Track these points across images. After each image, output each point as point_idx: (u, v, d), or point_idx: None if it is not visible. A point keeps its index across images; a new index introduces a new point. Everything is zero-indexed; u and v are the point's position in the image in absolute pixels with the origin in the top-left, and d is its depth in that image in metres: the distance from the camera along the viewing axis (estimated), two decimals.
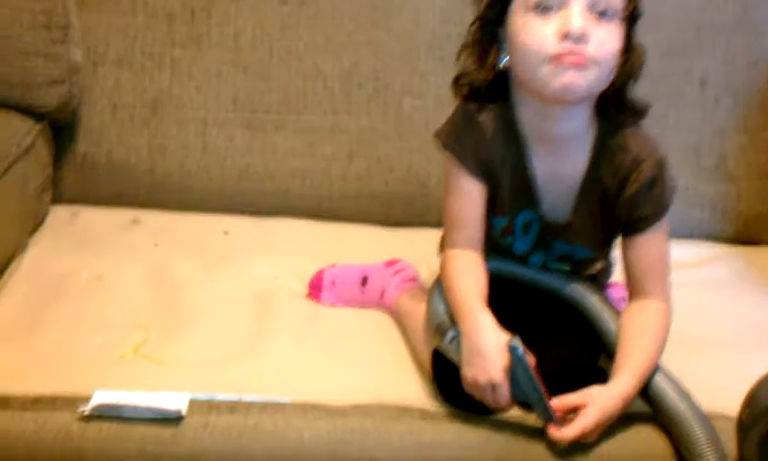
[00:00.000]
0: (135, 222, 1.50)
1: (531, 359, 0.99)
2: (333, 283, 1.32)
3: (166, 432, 1.00)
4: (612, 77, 1.03)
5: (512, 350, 0.98)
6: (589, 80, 1.00)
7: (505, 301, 1.09)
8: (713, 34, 1.64)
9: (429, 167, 1.54)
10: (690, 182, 1.65)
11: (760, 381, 0.88)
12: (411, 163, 1.57)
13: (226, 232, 1.50)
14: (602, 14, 0.99)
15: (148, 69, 1.55)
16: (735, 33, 1.65)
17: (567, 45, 0.98)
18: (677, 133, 1.66)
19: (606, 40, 1.00)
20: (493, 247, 1.15)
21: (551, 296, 1.16)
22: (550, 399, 0.99)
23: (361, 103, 1.57)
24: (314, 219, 1.55)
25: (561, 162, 1.09)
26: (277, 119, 1.57)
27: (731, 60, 1.66)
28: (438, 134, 1.12)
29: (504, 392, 0.99)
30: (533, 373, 0.98)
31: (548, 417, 0.99)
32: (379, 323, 1.27)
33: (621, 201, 1.08)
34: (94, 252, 1.39)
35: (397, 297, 1.27)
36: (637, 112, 1.09)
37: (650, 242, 1.09)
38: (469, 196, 1.10)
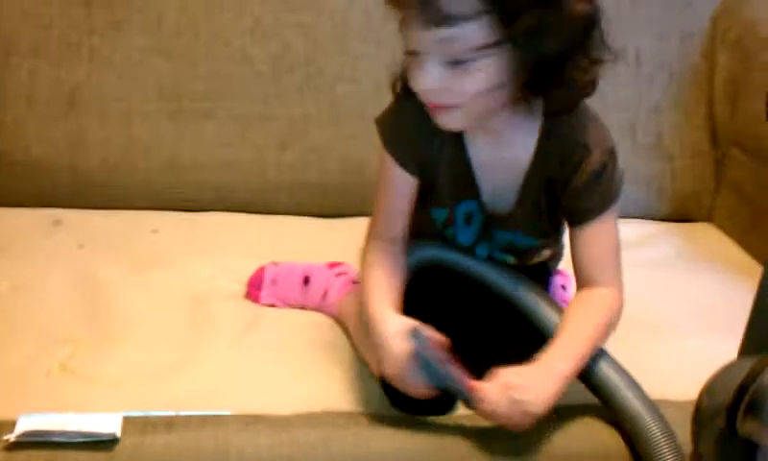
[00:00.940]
0: (57, 223, 1.44)
1: (441, 342, 0.98)
2: (274, 282, 1.29)
3: (100, 457, 0.94)
4: (500, 101, 0.98)
5: (413, 336, 0.97)
6: (462, 118, 0.99)
7: (450, 289, 1.07)
8: (647, 8, 1.64)
9: (365, 154, 1.51)
10: (626, 161, 1.61)
11: (715, 376, 0.87)
12: (346, 151, 1.54)
13: (154, 230, 1.45)
14: (456, 63, 0.93)
15: (65, 59, 1.49)
16: (669, 6, 1.65)
17: (427, 97, 0.98)
18: (613, 111, 1.63)
19: (465, 86, 0.94)
20: (441, 239, 1.13)
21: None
22: (468, 380, 0.96)
23: (292, 89, 1.53)
24: (247, 212, 1.51)
25: (502, 151, 1.06)
26: (205, 108, 1.52)
27: (665, 35, 1.66)
28: (376, 122, 1.09)
29: (413, 380, 0.97)
30: (440, 356, 0.97)
31: (465, 398, 0.97)
32: (322, 325, 1.24)
33: (568, 191, 1.05)
34: (12, 258, 1.32)
35: (341, 298, 1.23)
36: (573, 101, 1.02)
37: (599, 232, 1.06)
38: (398, 189, 1.09)
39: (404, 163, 1.07)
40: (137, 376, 1.09)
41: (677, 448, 0.95)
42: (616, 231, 1.08)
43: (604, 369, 1.02)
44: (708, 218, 1.69)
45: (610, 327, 1.05)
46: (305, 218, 1.52)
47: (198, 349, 1.15)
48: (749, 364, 0.83)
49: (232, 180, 1.53)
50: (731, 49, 1.66)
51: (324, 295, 1.26)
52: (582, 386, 1.04)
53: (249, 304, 1.27)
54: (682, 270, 1.49)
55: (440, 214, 1.11)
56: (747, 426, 0.82)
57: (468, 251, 1.13)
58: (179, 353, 1.14)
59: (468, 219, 1.11)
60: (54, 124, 1.48)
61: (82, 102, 1.48)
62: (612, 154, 1.05)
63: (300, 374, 1.12)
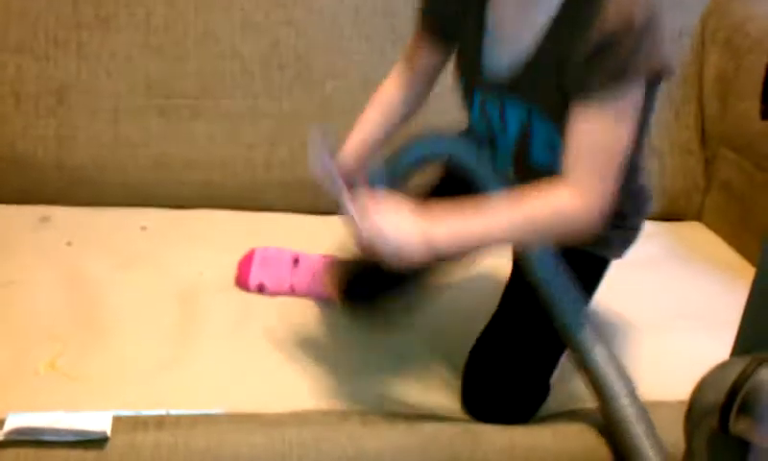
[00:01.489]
0: (45, 219, 1.42)
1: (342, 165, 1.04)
2: (264, 262, 1.29)
3: (90, 455, 0.94)
4: None
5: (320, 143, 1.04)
6: None
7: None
8: None
9: None
10: None
11: (708, 375, 0.87)
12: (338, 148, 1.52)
13: (143, 227, 1.44)
14: None
15: (52, 55, 1.47)
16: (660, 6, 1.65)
17: None
18: None
19: None
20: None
21: None
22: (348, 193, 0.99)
23: (282, 86, 1.52)
24: (237, 210, 1.50)
25: (525, 12, 0.97)
26: (195, 105, 1.50)
27: None
28: None
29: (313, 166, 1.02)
30: (334, 168, 1.02)
31: (346, 210, 0.99)
32: (314, 323, 1.23)
33: (570, 66, 0.93)
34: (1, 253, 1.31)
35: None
36: None
37: (586, 121, 0.91)
38: (419, 45, 1.10)
39: (425, 22, 1.08)
40: (127, 374, 1.08)
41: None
42: (614, 134, 0.92)
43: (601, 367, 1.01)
44: (697, 217, 1.69)
45: (544, 226, 0.94)
46: (296, 215, 1.51)
47: (188, 346, 1.14)
48: (741, 363, 0.83)
49: (222, 177, 1.51)
50: (720, 48, 1.66)
51: (314, 276, 1.25)
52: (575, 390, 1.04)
53: (239, 301, 1.26)
54: (671, 269, 1.49)
55: (462, 82, 1.09)
56: (740, 426, 0.82)
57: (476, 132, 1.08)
58: (168, 351, 1.13)
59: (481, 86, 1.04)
60: (41, 121, 1.46)
61: (69, 98, 1.47)
62: (630, 27, 0.89)
63: (292, 372, 1.11)
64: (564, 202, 0.93)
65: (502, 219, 0.95)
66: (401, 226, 0.94)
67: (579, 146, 0.93)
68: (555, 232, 0.96)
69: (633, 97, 0.93)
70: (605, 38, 0.90)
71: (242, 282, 1.29)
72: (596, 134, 0.92)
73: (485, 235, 0.95)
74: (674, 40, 1.66)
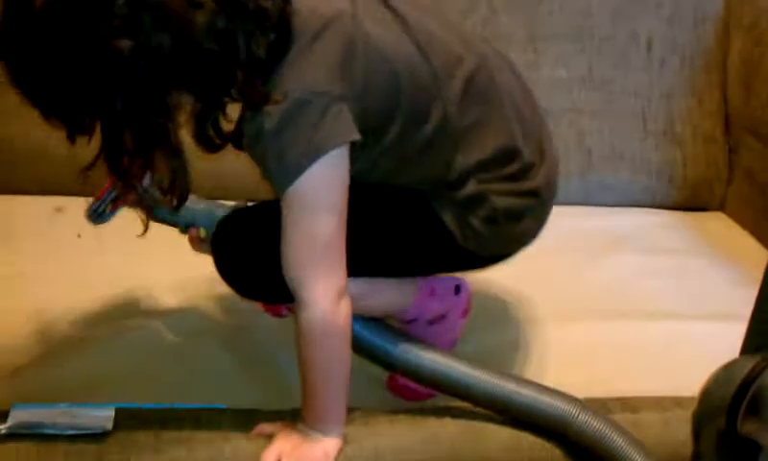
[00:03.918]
0: (59, 210, 1.41)
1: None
2: None
3: (91, 449, 0.93)
4: None
5: None
6: None
7: None
8: None
9: None
10: (637, 148, 1.63)
11: (712, 378, 0.85)
12: None
13: None
14: None
15: None
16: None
17: None
18: (622, 97, 1.63)
19: None
20: None
21: None
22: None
23: None
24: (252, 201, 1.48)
25: None
26: None
27: (677, 19, 1.63)
28: None
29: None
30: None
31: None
32: None
33: None
34: (13, 244, 1.31)
35: None
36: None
37: (284, 218, 0.89)
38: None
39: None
40: (130, 367, 1.08)
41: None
42: (308, 225, 0.88)
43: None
44: (720, 207, 1.66)
45: (319, 350, 0.92)
46: None
47: (193, 341, 1.14)
48: (750, 362, 0.80)
49: (233, 168, 1.50)
50: (745, 33, 1.62)
51: None
52: None
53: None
54: (693, 260, 1.47)
55: None
56: (747, 426, 0.80)
57: None
58: (174, 345, 1.13)
59: None
60: None
61: None
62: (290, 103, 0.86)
63: (293, 369, 1.09)
64: (302, 327, 0.92)
65: (311, 380, 0.93)
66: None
67: (287, 248, 0.91)
68: (327, 350, 0.92)
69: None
70: (257, 127, 0.89)
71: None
72: (293, 227, 0.90)
73: (328, 397, 0.94)
74: (697, 25, 1.63)
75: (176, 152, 0.87)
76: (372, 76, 0.91)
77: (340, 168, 0.89)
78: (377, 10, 0.96)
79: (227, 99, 0.89)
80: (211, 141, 0.90)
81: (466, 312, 1.13)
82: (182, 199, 0.90)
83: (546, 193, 1.06)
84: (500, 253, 1.07)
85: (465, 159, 0.99)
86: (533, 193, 1.04)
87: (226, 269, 1.00)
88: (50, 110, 0.88)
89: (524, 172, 1.03)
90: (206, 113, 0.88)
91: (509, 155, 1.01)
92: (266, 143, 0.87)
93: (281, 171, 0.88)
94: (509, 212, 1.02)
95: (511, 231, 1.04)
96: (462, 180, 0.99)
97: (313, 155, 0.86)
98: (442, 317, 1.09)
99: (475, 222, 1.00)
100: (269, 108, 0.87)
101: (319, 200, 0.89)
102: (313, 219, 0.88)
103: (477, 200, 1.00)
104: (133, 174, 0.89)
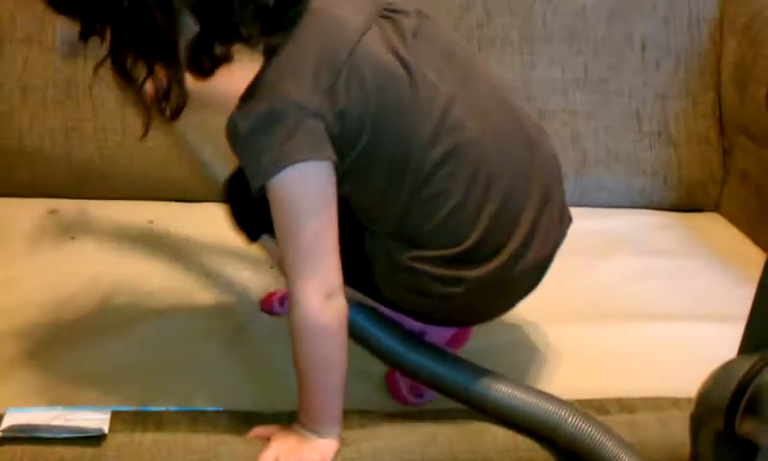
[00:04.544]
0: (53, 212, 1.42)
1: None
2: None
3: (87, 453, 0.93)
4: None
5: None
6: None
7: None
8: None
9: None
10: (632, 149, 1.64)
11: (710, 378, 0.85)
12: None
13: (150, 221, 1.43)
14: None
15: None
16: None
17: None
18: (617, 98, 1.64)
19: None
20: None
21: None
22: None
23: None
24: None
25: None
26: None
27: (671, 20, 1.63)
28: None
29: None
30: None
31: None
32: None
33: None
34: (6, 247, 1.31)
35: None
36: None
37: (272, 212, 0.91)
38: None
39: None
40: (127, 370, 1.08)
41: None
42: (291, 211, 0.90)
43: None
44: (715, 208, 1.66)
45: (308, 348, 0.93)
46: None
47: (190, 344, 1.13)
48: (747, 362, 0.81)
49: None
50: (739, 35, 1.62)
51: None
52: None
53: (243, 298, 1.25)
54: (688, 261, 1.47)
55: None
56: (746, 427, 0.80)
57: None
58: (172, 348, 1.12)
59: None
60: (49, 113, 1.46)
61: (77, 91, 1.46)
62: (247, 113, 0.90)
63: (292, 371, 1.09)
64: (294, 320, 0.92)
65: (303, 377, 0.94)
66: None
67: (278, 243, 0.93)
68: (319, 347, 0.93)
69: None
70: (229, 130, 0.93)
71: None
72: (280, 219, 0.92)
73: (321, 398, 0.94)
74: (691, 27, 1.64)
75: (177, 63, 0.90)
76: (357, 102, 0.91)
77: (314, 182, 0.90)
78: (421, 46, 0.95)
79: (227, 31, 0.89)
80: (201, 66, 0.92)
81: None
82: (178, 110, 0.93)
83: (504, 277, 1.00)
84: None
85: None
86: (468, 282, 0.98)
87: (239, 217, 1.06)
88: (63, 6, 0.91)
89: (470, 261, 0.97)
90: (205, 40, 0.90)
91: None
92: (240, 142, 0.91)
93: (252, 171, 0.91)
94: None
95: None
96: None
97: (282, 163, 0.88)
98: None
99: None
100: (248, 108, 0.90)
101: (293, 204, 0.90)
102: (291, 219, 0.90)
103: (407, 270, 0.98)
104: (135, 78, 0.91)
